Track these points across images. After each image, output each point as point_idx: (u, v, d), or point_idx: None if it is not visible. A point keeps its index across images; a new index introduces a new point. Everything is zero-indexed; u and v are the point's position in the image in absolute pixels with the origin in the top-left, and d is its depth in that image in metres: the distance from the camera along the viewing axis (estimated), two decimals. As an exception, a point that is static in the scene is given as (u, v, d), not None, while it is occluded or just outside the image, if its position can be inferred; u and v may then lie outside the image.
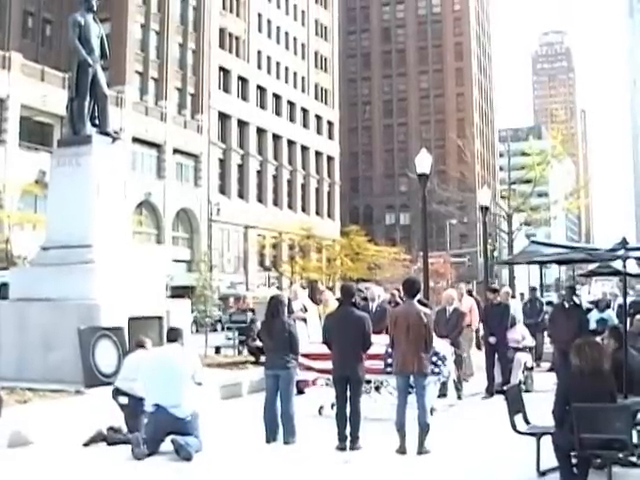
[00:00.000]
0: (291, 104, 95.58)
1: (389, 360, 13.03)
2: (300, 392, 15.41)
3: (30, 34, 66.44)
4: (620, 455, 8.87)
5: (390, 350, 12.35)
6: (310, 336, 16.91)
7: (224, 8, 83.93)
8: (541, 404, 10.07)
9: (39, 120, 58.96)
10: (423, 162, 25.00)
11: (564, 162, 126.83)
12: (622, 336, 11.43)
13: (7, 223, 49.20)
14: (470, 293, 25.46)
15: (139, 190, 62.43)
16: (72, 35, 19.05)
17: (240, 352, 25.40)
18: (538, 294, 26.30)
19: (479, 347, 21.38)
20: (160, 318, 17.89)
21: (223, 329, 34.20)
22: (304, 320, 18.84)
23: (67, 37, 20.86)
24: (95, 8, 19.61)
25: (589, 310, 23.04)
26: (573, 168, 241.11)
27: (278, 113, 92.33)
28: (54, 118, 57.19)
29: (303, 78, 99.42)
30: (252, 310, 27.96)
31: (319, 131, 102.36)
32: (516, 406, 10.00)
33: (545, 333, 23.23)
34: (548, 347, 22.50)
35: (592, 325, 20.07)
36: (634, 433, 9.12)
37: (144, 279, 18.43)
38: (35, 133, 58.18)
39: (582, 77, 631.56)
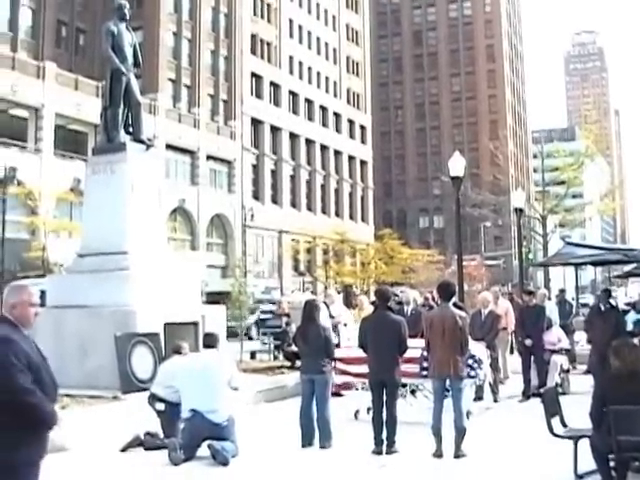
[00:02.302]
0: (323, 109, 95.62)
1: (425, 364, 12.99)
2: (337, 394, 15.32)
3: (64, 43, 66.92)
4: (659, 458, 8.80)
5: (426, 353, 12.32)
6: (350, 339, 16.91)
7: (255, 14, 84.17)
8: (578, 406, 10.00)
9: (73, 128, 59.42)
10: (456, 165, 24.93)
11: (598, 162, 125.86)
12: (660, 337, 11.34)
13: (43, 230, 49.59)
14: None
15: (173, 196, 62.59)
16: (105, 44, 19.19)
17: (276, 357, 25.41)
18: (567, 296, 26.10)
19: (512, 351, 21.26)
20: (196, 324, 17.96)
21: (258, 334, 34.22)
22: (344, 325, 18.88)
23: (100, 46, 21.03)
24: (128, 17, 19.77)
25: (626, 312, 22.85)
26: (607, 169, 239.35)
27: (310, 118, 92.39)
28: (88, 126, 57.62)
29: (335, 83, 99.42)
30: (287, 315, 27.88)
31: (352, 136, 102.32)
32: (553, 409, 9.94)
33: (575, 335, 23.12)
34: (581, 349, 22.34)
35: (629, 327, 19.90)
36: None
37: (179, 285, 18.50)
38: (70, 141, 58.59)
39: (615, 77, 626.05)
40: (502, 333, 18.53)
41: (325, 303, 18.81)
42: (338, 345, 16.34)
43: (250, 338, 34.92)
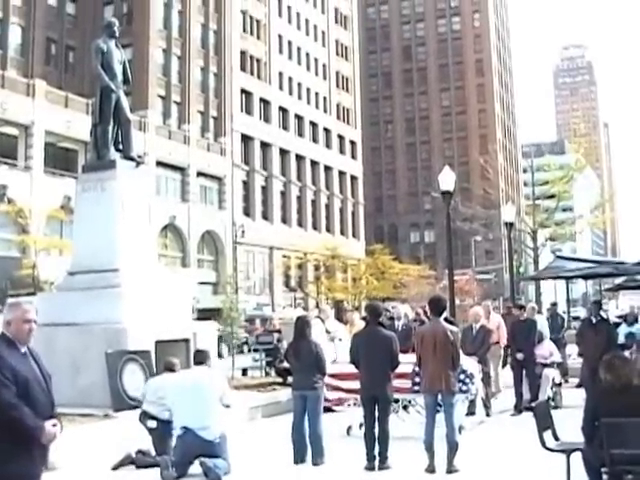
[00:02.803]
0: (313, 125, 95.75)
1: (416, 379, 12.98)
2: (330, 410, 15.25)
3: (53, 61, 67.09)
4: (652, 470, 8.76)
5: (417, 369, 12.31)
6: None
7: (244, 31, 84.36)
8: (570, 420, 9.98)
9: (63, 146, 59.44)
10: (446, 179, 24.98)
11: (588, 175, 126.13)
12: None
13: (34, 249, 49.53)
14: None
15: (164, 213, 62.61)
16: (95, 61, 19.22)
17: (267, 373, 25.36)
18: (559, 309, 26.08)
19: (504, 365, 21.25)
20: (187, 341, 17.93)
21: (250, 351, 34.16)
22: (340, 340, 18.85)
23: (90, 63, 21.06)
24: (117, 34, 19.79)
25: (617, 324, 22.87)
26: (597, 182, 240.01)
27: (301, 134, 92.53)
28: (78, 144, 57.62)
29: (325, 98, 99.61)
30: (279, 331, 27.85)
31: (342, 151, 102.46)
32: (545, 422, 9.92)
33: (567, 349, 23.12)
34: (573, 362, 22.33)
35: (621, 339, 19.92)
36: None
37: (170, 302, 18.47)
38: (60, 159, 58.59)
39: (604, 90, 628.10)
40: (494, 347, 18.51)
41: (320, 318, 18.80)
42: (335, 359, 16.32)
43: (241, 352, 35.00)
